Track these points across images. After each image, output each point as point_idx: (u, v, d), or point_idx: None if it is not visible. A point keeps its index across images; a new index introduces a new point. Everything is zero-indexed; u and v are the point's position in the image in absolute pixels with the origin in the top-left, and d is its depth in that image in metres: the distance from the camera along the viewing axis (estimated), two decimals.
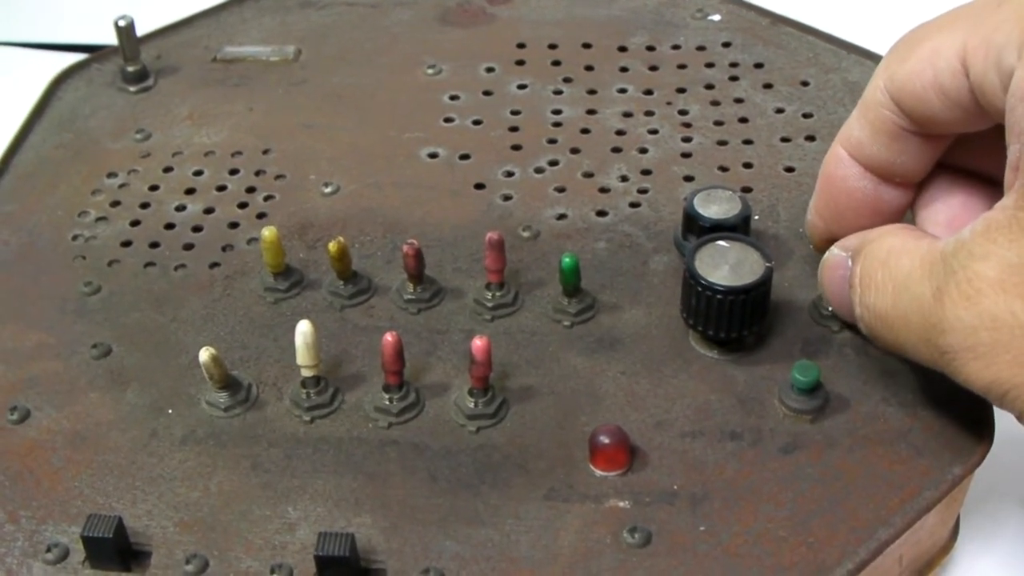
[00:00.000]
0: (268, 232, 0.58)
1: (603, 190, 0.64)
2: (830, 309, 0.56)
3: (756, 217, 0.61)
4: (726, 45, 0.74)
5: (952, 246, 0.46)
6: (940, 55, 0.49)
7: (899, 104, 0.51)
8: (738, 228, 0.57)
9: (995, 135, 0.48)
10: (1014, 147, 0.45)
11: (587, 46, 0.75)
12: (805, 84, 0.71)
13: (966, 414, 0.53)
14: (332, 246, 0.57)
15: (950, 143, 0.53)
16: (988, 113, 0.48)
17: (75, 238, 0.63)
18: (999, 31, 0.46)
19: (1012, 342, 0.44)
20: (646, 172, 0.65)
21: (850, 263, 0.52)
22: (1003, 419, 0.52)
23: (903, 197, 0.55)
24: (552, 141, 0.68)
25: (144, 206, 0.65)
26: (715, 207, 0.57)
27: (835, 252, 0.54)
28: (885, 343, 0.51)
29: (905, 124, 0.52)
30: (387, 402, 0.53)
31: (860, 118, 0.54)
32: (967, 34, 0.48)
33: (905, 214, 0.55)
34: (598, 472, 0.51)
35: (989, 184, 0.54)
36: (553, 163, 0.66)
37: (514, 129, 0.69)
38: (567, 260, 0.56)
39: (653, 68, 0.73)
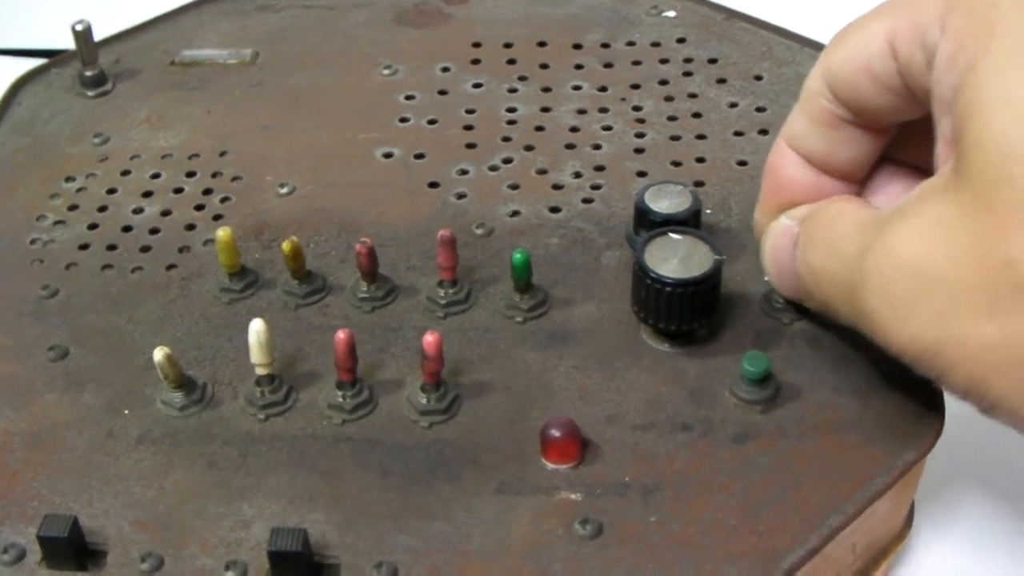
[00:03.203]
0: (223, 233, 0.58)
1: (556, 187, 0.65)
2: (780, 300, 0.56)
3: (708, 211, 0.62)
4: (680, 41, 0.75)
5: (888, 211, 0.47)
6: (872, 40, 0.49)
7: (834, 92, 0.52)
8: (689, 222, 0.57)
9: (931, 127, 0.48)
10: (944, 121, 0.46)
11: (542, 44, 0.75)
12: (759, 78, 0.71)
13: (917, 401, 0.53)
14: (286, 246, 0.58)
15: (891, 138, 0.54)
16: (917, 96, 0.49)
17: (33, 242, 0.64)
18: (923, 11, 0.47)
19: (932, 294, 0.44)
20: (599, 168, 0.66)
21: (797, 228, 0.53)
22: (954, 405, 0.52)
23: (846, 191, 0.55)
24: (506, 139, 0.68)
25: (102, 209, 0.65)
26: (666, 201, 0.58)
27: (783, 221, 0.55)
28: (815, 301, 0.52)
29: (841, 112, 0.52)
30: (340, 399, 0.54)
31: (799, 108, 0.54)
32: (896, 18, 0.48)
33: None
34: (550, 465, 0.51)
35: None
36: (507, 161, 0.66)
37: (469, 128, 0.69)
38: (518, 256, 0.56)
39: (608, 65, 0.73)
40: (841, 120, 0.53)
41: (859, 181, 0.55)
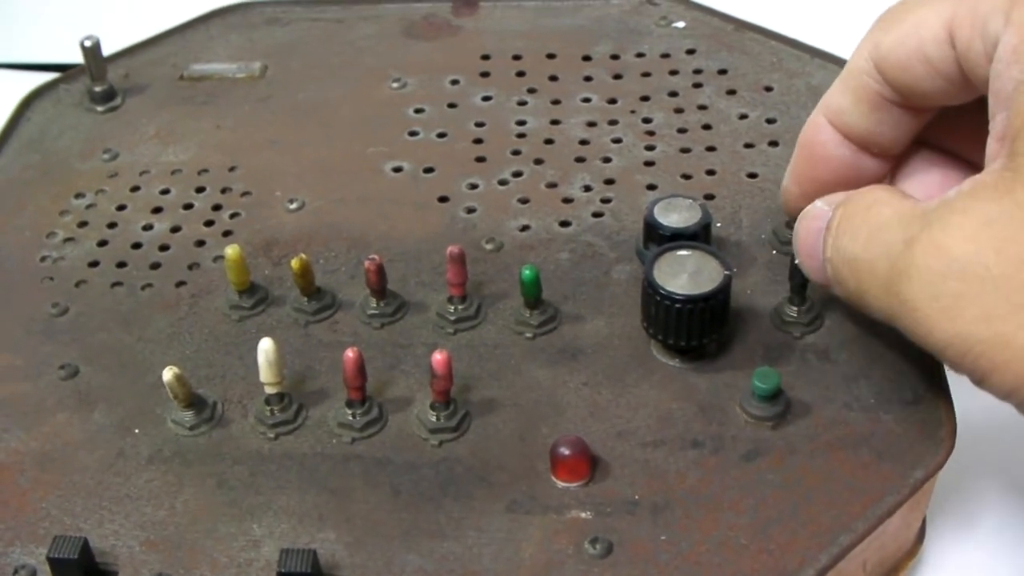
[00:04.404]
0: (231, 251, 0.58)
1: (566, 200, 0.64)
2: (791, 314, 0.56)
3: (718, 224, 0.62)
4: (690, 52, 0.75)
5: (936, 204, 0.46)
6: (926, 25, 0.49)
7: (883, 73, 0.51)
8: (698, 236, 0.57)
9: (976, 115, 0.48)
10: (1000, 116, 0.45)
11: (551, 56, 0.75)
12: (769, 89, 0.71)
13: (928, 418, 0.53)
14: (294, 263, 0.58)
15: (931, 119, 0.54)
16: (973, 84, 0.48)
17: (43, 259, 0.64)
18: (985, 0, 0.46)
19: (980, 294, 0.43)
20: (609, 181, 0.65)
21: (831, 213, 0.52)
22: (966, 419, 0.52)
23: (881, 168, 0.55)
24: (516, 152, 0.68)
25: (111, 226, 0.65)
26: (675, 215, 0.58)
27: (818, 205, 0.53)
28: (848, 289, 0.50)
29: (887, 93, 0.52)
30: (350, 417, 0.54)
31: (842, 86, 0.54)
32: (954, 4, 0.48)
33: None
34: (560, 483, 0.51)
35: (968, 166, 0.54)
36: (517, 174, 0.66)
37: (478, 141, 0.69)
38: (527, 272, 0.56)
39: (617, 77, 0.73)
40: (886, 100, 0.52)
41: (892, 159, 0.55)
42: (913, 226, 0.46)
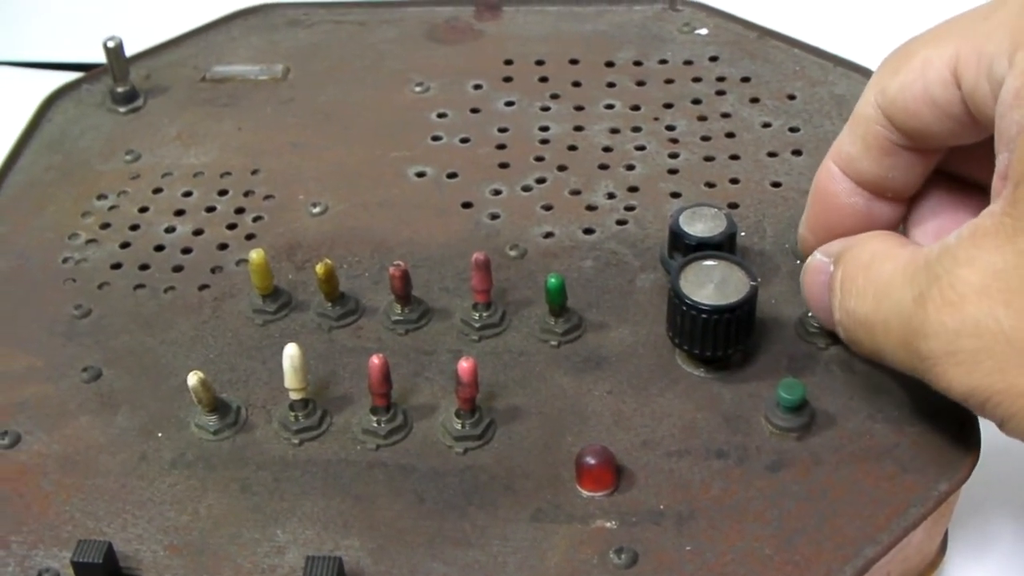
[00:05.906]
0: (256, 255, 0.58)
1: (590, 208, 0.64)
2: (815, 324, 0.56)
3: (742, 233, 0.61)
4: (713, 59, 0.74)
5: (937, 252, 0.46)
6: (931, 67, 0.49)
7: (890, 118, 0.51)
8: (723, 246, 0.57)
9: (989, 144, 0.47)
10: (1003, 155, 0.45)
11: (574, 62, 0.75)
12: (792, 98, 0.71)
13: (953, 430, 0.53)
14: (319, 268, 0.57)
15: (943, 154, 0.54)
16: (980, 123, 0.48)
17: (65, 261, 0.64)
18: (990, 40, 0.46)
19: (994, 349, 0.44)
20: (633, 189, 0.65)
21: (832, 268, 0.52)
22: (990, 431, 0.52)
23: (895, 212, 0.55)
24: (539, 159, 0.68)
25: (134, 228, 0.65)
26: (700, 225, 0.58)
27: (817, 257, 0.54)
28: (864, 348, 0.51)
29: (897, 139, 0.52)
30: (375, 424, 0.54)
31: (851, 133, 0.54)
32: (958, 45, 0.48)
33: (896, 229, 0.55)
34: (585, 492, 0.51)
35: (981, 194, 0.53)
36: (540, 181, 0.66)
37: (501, 147, 0.69)
38: (552, 280, 0.56)
39: (640, 83, 0.73)
40: (896, 146, 0.52)
41: (906, 201, 0.55)
42: (919, 280, 0.46)
